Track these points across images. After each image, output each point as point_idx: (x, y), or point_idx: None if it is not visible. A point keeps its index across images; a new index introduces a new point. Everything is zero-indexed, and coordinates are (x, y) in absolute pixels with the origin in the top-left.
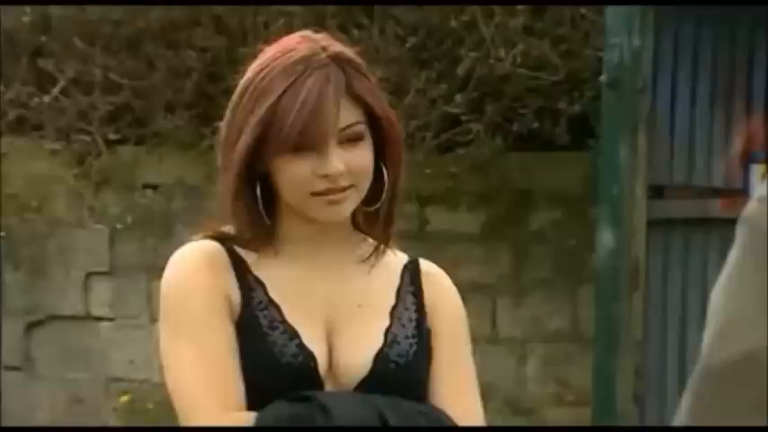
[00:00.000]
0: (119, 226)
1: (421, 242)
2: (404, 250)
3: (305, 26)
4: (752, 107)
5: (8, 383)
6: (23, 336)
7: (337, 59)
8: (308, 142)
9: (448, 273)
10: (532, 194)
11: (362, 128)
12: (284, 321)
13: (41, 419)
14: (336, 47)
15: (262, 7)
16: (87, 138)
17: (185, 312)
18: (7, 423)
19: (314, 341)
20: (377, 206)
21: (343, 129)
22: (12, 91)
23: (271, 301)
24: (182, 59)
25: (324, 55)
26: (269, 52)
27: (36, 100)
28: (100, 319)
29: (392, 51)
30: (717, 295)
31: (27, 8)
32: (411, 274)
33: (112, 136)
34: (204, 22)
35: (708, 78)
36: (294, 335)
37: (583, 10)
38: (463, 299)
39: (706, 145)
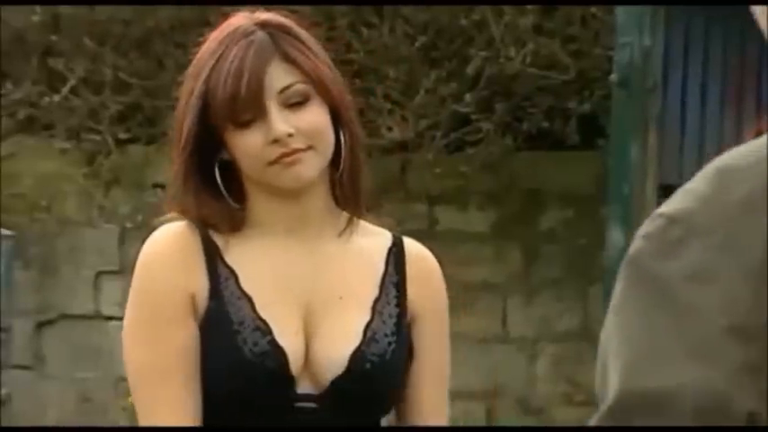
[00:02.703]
0: (128, 225)
1: (430, 241)
2: None
3: (314, 26)
4: (762, 106)
5: (18, 382)
6: (33, 335)
7: (264, 26)
8: (245, 111)
9: (458, 272)
10: (542, 194)
11: (304, 88)
12: (256, 316)
13: (51, 418)
14: (268, 16)
15: (271, 6)
16: (97, 137)
17: (148, 305)
18: (17, 422)
19: (288, 335)
20: (339, 172)
21: (282, 91)
22: (22, 90)
23: (243, 292)
24: (191, 58)
25: (250, 23)
26: (209, 37)
27: (46, 99)
28: (110, 318)
29: (402, 50)
30: (606, 341)
31: (37, 8)
32: (396, 260)
33: (122, 135)
34: (213, 21)
35: (718, 77)
36: (266, 331)
37: (593, 9)
38: (473, 298)
39: (716, 144)
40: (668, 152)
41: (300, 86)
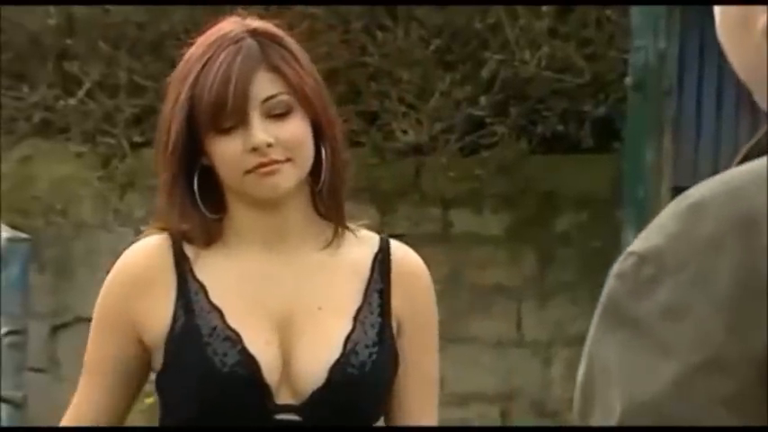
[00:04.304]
0: (143, 228)
1: (445, 244)
2: (428, 253)
3: (329, 29)
4: None
5: (33, 385)
6: (49, 338)
7: (254, 33)
8: (228, 117)
9: (472, 275)
10: (557, 197)
11: (288, 99)
12: (225, 326)
13: None
14: (258, 23)
15: (286, 9)
16: (112, 140)
17: (99, 312)
18: (33, 425)
19: (259, 344)
20: (319, 186)
21: (266, 100)
22: (37, 94)
23: (212, 305)
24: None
25: (240, 30)
26: (197, 40)
27: (61, 103)
28: None
29: (416, 53)
30: (587, 381)
31: (52, 11)
32: (381, 267)
33: (137, 138)
34: None
35: (734, 80)
36: (236, 341)
37: (608, 12)
38: (488, 301)
39: (732, 146)
40: (683, 155)
41: (284, 97)
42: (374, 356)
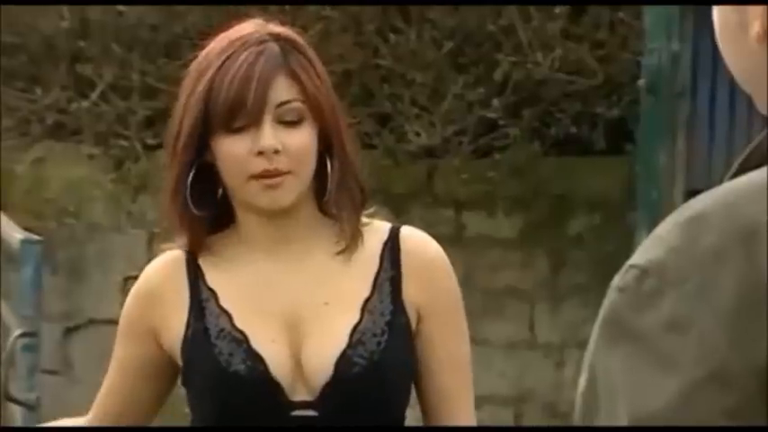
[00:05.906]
0: (156, 230)
1: (458, 247)
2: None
3: (342, 30)
4: None
5: (46, 387)
6: (62, 340)
7: (277, 38)
8: (240, 116)
9: (485, 278)
10: (570, 199)
11: (301, 107)
12: (233, 328)
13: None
14: (280, 29)
15: (299, 12)
16: (125, 143)
17: (121, 319)
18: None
19: (264, 342)
20: (325, 198)
21: (280, 105)
22: (50, 96)
23: (221, 309)
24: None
25: (263, 32)
26: (217, 38)
27: (74, 105)
28: None
29: (429, 56)
30: (589, 396)
31: (66, 13)
32: (391, 255)
33: (150, 141)
34: None
35: None
36: (242, 340)
37: (621, 14)
38: (500, 304)
39: (745, 149)
40: (697, 157)
41: (297, 105)
42: (383, 345)
